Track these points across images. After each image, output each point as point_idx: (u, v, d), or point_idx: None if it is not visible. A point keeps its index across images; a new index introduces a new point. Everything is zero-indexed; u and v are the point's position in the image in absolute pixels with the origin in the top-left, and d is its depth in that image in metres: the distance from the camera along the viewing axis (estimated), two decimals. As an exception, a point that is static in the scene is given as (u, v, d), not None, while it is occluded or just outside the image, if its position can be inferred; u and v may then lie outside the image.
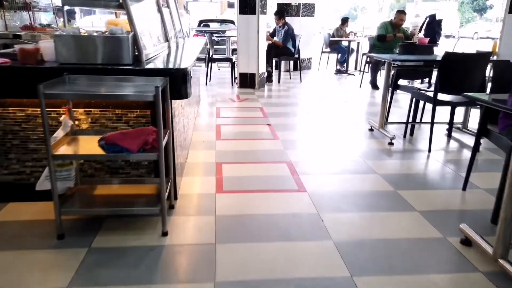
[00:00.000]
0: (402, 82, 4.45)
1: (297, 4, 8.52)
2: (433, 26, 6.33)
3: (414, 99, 3.70)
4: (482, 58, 3.15)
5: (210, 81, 7.05)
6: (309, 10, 8.73)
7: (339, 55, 8.67)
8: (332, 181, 2.73)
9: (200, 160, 3.07)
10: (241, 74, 6.42)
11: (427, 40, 5.97)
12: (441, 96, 3.27)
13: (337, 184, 2.67)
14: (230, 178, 2.72)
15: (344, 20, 8.78)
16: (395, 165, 3.09)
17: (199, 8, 24.05)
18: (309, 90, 6.48)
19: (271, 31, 7.45)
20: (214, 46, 10.56)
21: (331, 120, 4.45)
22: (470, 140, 3.70)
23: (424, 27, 6.48)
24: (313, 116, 4.62)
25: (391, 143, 3.53)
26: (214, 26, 11.98)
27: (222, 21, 12.84)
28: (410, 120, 3.80)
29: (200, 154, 3.21)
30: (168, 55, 2.72)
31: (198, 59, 4.20)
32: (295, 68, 8.76)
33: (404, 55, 4.09)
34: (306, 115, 4.71)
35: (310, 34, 8.82)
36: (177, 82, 2.00)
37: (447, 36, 21.74)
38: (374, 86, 6.48)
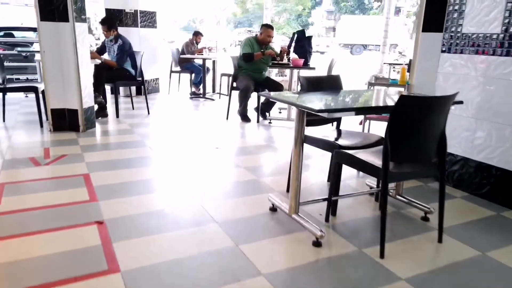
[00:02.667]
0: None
1: (133, 11, 6.64)
2: (303, 44, 5.35)
3: (336, 163, 2.36)
4: (447, 102, 2.00)
5: (4, 121, 4.61)
6: (150, 20, 6.94)
7: (193, 75, 7.14)
8: None
9: None
10: (54, 112, 4.23)
11: (301, 61, 4.92)
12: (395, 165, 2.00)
13: None
14: None
15: (196, 33, 7.30)
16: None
17: (8, 12, 19.39)
18: (162, 128, 4.72)
19: (98, 46, 5.42)
20: (22, 63, 7.80)
21: (206, 191, 2.82)
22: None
23: (292, 44, 5.45)
24: (176, 185, 2.92)
25: (317, 244, 2.10)
26: (26, 35, 9.00)
27: (35, 30, 9.85)
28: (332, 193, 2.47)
29: None
30: None
31: None
32: (138, 92, 6.85)
33: (313, 93, 2.70)
34: (164, 184, 2.97)
35: (153, 49, 7.04)
36: None
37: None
38: (244, 117, 5.14)
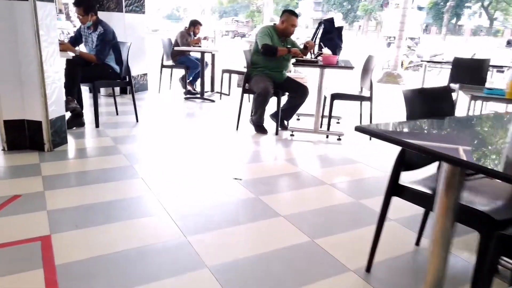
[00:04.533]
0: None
1: (116, -8, 5.44)
2: (332, 37, 4.30)
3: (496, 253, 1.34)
4: None
5: None
6: (137, 3, 5.76)
7: (188, 70, 6.01)
8: None
9: None
10: (8, 124, 3.08)
11: (335, 58, 3.87)
12: None
13: None
14: None
15: (194, 23, 6.15)
16: None
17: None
18: (156, 144, 3.61)
19: (72, 36, 4.25)
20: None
21: (245, 276, 1.77)
22: None
23: (318, 37, 4.39)
24: (192, 261, 1.86)
25: None
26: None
27: None
28: None
29: None
30: None
31: None
32: (123, 91, 5.68)
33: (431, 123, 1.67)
34: (176, 256, 1.90)
35: (141, 40, 5.87)
36: None
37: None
38: (260, 128, 4.07)
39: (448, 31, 40.52)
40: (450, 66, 4.99)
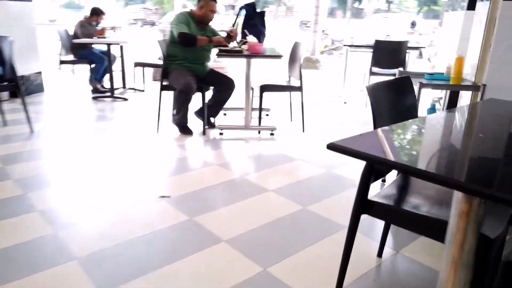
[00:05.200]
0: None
1: (-9, -26, 4.47)
2: (255, 23, 3.95)
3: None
4: None
5: None
6: (21, -11, 4.82)
7: (93, 66, 5.24)
8: None
9: None
10: None
11: (261, 46, 3.53)
12: None
13: None
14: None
15: (96, 12, 5.35)
16: None
17: None
18: (56, 159, 2.96)
19: None
20: None
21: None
22: None
23: (238, 23, 4.01)
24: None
25: None
26: None
27: None
28: None
29: None
30: None
31: None
32: (14, 95, 4.78)
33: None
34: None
35: (31, 32, 4.97)
36: None
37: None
38: (185, 129, 3.61)
39: (352, 14, 42.80)
40: (370, 49, 4.98)
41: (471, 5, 4.20)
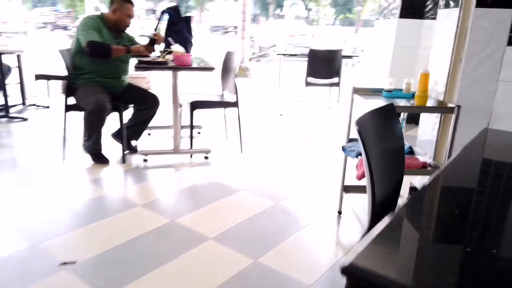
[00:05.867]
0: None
1: None
2: (180, 29, 3.42)
3: None
4: None
5: None
6: None
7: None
8: None
9: None
10: None
11: (189, 57, 3.01)
12: None
13: None
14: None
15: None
16: None
17: None
18: None
19: None
20: None
21: None
22: None
23: (160, 28, 3.45)
24: None
25: None
26: None
27: None
28: None
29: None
30: None
31: None
32: None
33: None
34: None
35: None
36: None
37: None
38: (99, 157, 2.97)
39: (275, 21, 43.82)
40: (303, 58, 4.72)
41: (404, 14, 4.15)
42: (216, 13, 29.25)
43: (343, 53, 4.73)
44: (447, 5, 1.82)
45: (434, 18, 3.94)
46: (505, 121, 1.73)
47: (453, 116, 1.70)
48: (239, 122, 3.33)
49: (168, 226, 2.12)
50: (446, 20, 1.82)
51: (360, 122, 1.04)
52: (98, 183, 2.66)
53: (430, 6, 3.96)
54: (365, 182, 1.02)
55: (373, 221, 1.00)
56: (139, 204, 2.36)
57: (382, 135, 1.20)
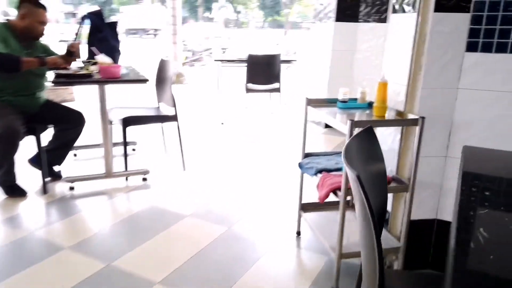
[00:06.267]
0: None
1: None
2: (106, 37, 3.04)
3: None
4: None
5: None
6: None
7: None
8: None
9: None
10: None
11: (118, 68, 2.65)
12: None
13: None
14: None
15: None
16: None
17: None
18: None
19: None
20: None
21: None
22: None
23: (81, 35, 3.04)
24: None
25: None
26: None
27: None
28: None
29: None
30: None
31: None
32: None
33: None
34: None
35: None
36: None
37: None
38: (12, 190, 2.51)
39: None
40: (243, 64, 4.52)
41: (340, 17, 4.13)
42: (132, 15, 28.14)
43: (281, 58, 4.60)
44: (401, 10, 1.71)
45: (369, 21, 3.99)
46: (465, 130, 1.66)
47: (417, 128, 1.59)
48: (180, 137, 3.03)
49: (104, 272, 1.78)
50: (402, 25, 1.71)
51: (348, 155, 0.84)
52: (13, 222, 2.22)
53: (366, 10, 3.96)
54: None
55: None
56: (66, 247, 1.98)
57: (366, 159, 1.02)
